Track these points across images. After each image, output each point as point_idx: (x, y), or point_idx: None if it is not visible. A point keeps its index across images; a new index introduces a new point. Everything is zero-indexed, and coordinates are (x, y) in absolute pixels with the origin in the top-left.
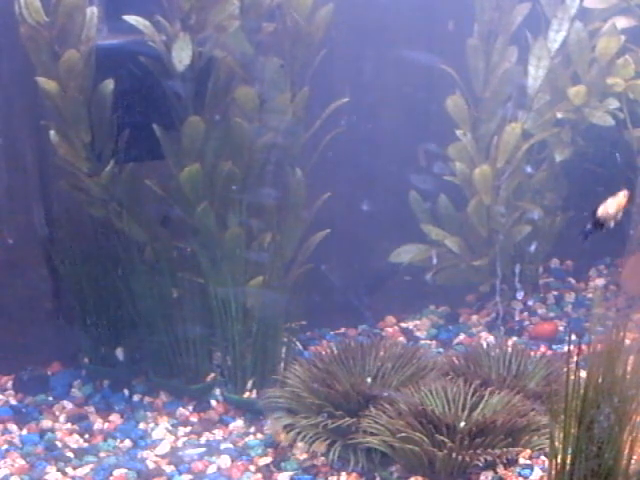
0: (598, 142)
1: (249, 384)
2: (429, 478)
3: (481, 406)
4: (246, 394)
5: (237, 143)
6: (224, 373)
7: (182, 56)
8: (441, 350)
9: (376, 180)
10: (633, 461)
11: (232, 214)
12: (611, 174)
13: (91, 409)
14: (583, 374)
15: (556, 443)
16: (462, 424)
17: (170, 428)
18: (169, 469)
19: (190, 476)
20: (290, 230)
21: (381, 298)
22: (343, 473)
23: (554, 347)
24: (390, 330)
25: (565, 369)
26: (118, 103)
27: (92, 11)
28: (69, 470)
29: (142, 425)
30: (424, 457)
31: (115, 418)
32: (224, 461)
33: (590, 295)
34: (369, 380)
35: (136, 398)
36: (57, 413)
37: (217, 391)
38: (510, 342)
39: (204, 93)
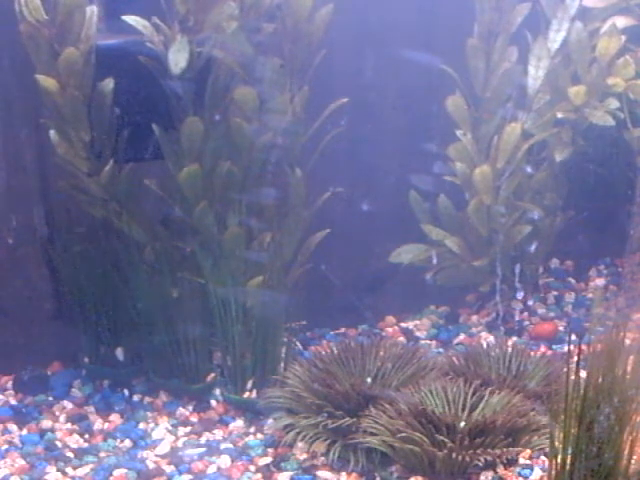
0: (598, 142)
1: (249, 384)
2: (429, 478)
3: (481, 406)
4: (246, 394)
5: (237, 143)
6: (224, 373)
7: (178, 59)
8: (441, 350)
9: (376, 180)
10: (633, 461)
11: (232, 214)
12: (611, 174)
13: (91, 409)
14: (583, 374)
15: (556, 443)
16: (462, 424)
17: (170, 428)
18: (169, 469)
19: (190, 476)
20: (290, 230)
21: (381, 298)
22: (343, 473)
23: (554, 347)
24: (390, 330)
25: (565, 369)
26: (117, 103)
27: (92, 10)
28: (69, 470)
29: (142, 425)
30: (424, 457)
31: (115, 418)
32: (224, 461)
33: (590, 295)
34: (369, 380)
35: (136, 398)
36: (57, 413)
37: (217, 391)
38: (510, 342)
39: (203, 93)
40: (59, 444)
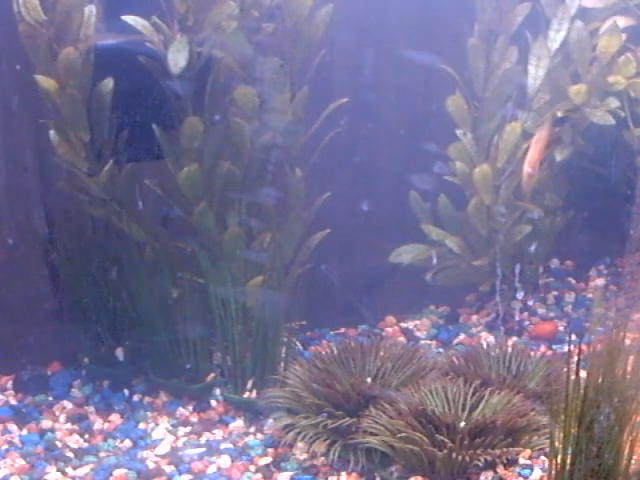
0: (598, 142)
1: (249, 384)
2: (429, 478)
3: (481, 406)
4: (246, 394)
5: (236, 143)
6: (224, 373)
7: (178, 59)
8: (441, 350)
9: (376, 180)
10: (633, 461)
11: (232, 214)
12: (611, 174)
13: (91, 409)
14: (583, 374)
15: (556, 443)
16: (462, 424)
17: (170, 428)
18: (169, 469)
19: (190, 476)
20: (290, 230)
21: (381, 298)
22: (343, 473)
23: (554, 347)
24: (390, 330)
25: (565, 369)
26: (117, 103)
27: (90, 10)
28: (69, 470)
29: (142, 425)
30: (424, 457)
31: (115, 418)
32: (224, 461)
33: (590, 295)
34: (369, 380)
35: (136, 398)
36: (57, 413)
37: (217, 391)
38: (510, 342)
39: (203, 93)
40: (59, 444)
